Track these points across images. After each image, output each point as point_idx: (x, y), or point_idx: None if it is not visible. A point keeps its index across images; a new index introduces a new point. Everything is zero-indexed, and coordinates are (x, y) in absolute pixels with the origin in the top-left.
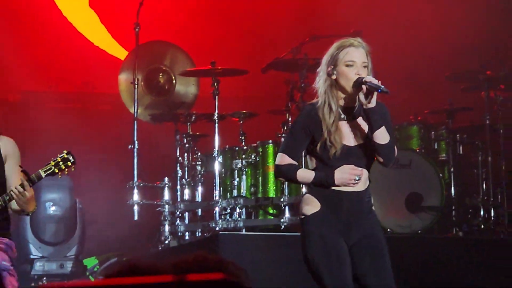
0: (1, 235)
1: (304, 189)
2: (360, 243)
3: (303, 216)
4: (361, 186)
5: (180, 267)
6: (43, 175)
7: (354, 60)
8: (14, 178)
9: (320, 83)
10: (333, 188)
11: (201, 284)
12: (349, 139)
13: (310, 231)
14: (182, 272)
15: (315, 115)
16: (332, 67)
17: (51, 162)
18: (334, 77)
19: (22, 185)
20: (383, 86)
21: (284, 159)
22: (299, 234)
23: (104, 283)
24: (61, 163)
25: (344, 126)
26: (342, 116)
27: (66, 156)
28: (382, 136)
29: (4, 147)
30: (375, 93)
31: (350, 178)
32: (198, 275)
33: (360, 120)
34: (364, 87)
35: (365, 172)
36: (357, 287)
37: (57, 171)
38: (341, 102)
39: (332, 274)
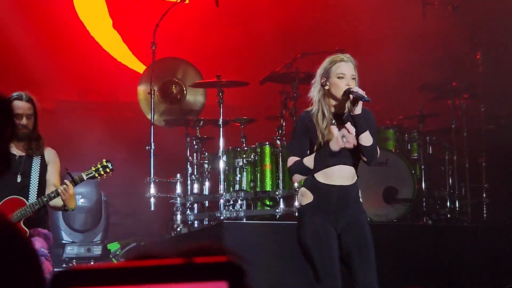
0: (42, 227)
1: (295, 184)
2: (347, 229)
3: (298, 206)
4: (349, 181)
5: (186, 255)
6: (85, 177)
7: (344, 73)
8: (52, 180)
9: (314, 92)
10: (324, 182)
11: (207, 265)
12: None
13: (304, 219)
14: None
15: (310, 121)
16: (325, 78)
17: (92, 167)
18: (327, 87)
19: (66, 184)
20: (366, 96)
21: (292, 159)
22: (293, 222)
23: (119, 265)
24: (101, 169)
25: (335, 130)
26: (333, 121)
27: (105, 163)
28: (366, 139)
29: (48, 155)
30: (360, 102)
31: (338, 140)
32: (204, 258)
33: (348, 125)
34: (351, 96)
35: (352, 169)
36: (342, 266)
37: (96, 175)
38: (333, 109)
39: (321, 256)
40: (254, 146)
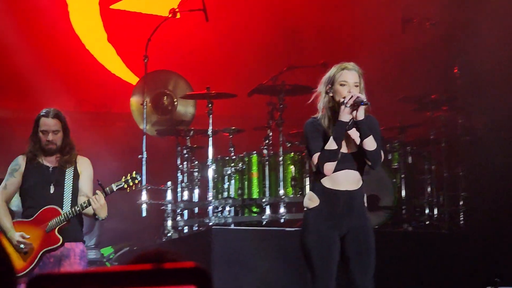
0: (77, 240)
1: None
2: (350, 234)
3: (305, 209)
4: (354, 185)
5: (145, 260)
6: (115, 189)
7: (347, 80)
8: (84, 189)
9: (319, 99)
10: (330, 187)
11: (176, 271)
12: (344, 147)
13: (309, 222)
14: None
15: (319, 125)
16: (330, 86)
17: (122, 179)
18: (331, 94)
19: (97, 194)
20: (364, 100)
21: (316, 156)
22: (279, 228)
23: (91, 271)
24: (130, 180)
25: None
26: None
27: (134, 175)
28: (369, 143)
29: (80, 165)
30: (361, 107)
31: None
32: (173, 263)
33: (353, 131)
34: (348, 104)
35: (358, 174)
36: (341, 267)
37: (126, 186)
38: (338, 116)
39: (321, 261)
40: (242, 155)
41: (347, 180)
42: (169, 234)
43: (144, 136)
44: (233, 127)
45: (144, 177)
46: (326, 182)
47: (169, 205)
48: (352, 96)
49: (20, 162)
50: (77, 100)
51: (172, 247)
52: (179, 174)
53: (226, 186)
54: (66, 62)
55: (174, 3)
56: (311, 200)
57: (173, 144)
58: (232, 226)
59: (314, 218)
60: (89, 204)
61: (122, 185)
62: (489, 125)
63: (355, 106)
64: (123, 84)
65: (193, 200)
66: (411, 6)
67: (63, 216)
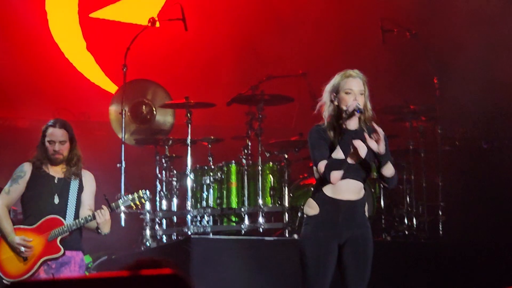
0: (76, 248)
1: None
2: (349, 243)
3: (305, 216)
4: (356, 195)
5: (136, 267)
6: (121, 205)
7: (352, 88)
8: (87, 202)
9: (324, 108)
10: (331, 196)
11: (153, 278)
12: (348, 158)
13: (308, 229)
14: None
15: (324, 133)
16: (334, 94)
17: (130, 197)
18: (336, 102)
19: (103, 208)
20: (359, 106)
21: (322, 163)
22: (258, 237)
23: (67, 278)
24: (137, 199)
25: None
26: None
27: (142, 195)
28: (389, 171)
29: (85, 179)
30: (354, 117)
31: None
32: (150, 270)
33: (357, 141)
34: (346, 113)
35: (360, 184)
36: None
37: (132, 204)
38: (343, 124)
39: (316, 271)
40: (220, 164)
41: (349, 189)
42: (147, 243)
43: (123, 145)
44: (212, 137)
45: (122, 186)
46: (327, 190)
47: (148, 214)
48: (351, 104)
49: (26, 169)
50: (56, 109)
51: (151, 256)
52: (157, 183)
53: (205, 195)
54: (45, 70)
55: (153, 12)
56: (311, 207)
57: (152, 153)
58: (211, 235)
59: (313, 226)
60: (94, 218)
61: (129, 204)
62: (467, 135)
63: (351, 114)
64: (102, 92)
65: (172, 209)
66: (390, 16)
67: (66, 227)
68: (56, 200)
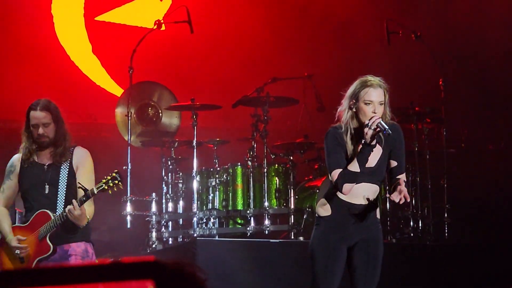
0: (75, 240)
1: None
2: (360, 245)
3: (317, 216)
4: (366, 200)
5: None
6: (95, 191)
7: (372, 99)
8: (83, 183)
9: (343, 112)
10: (344, 199)
11: (133, 265)
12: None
13: (319, 230)
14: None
15: (341, 138)
16: (354, 101)
17: (103, 180)
18: (354, 110)
19: (72, 205)
20: (387, 128)
21: (336, 172)
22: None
23: (49, 266)
24: (110, 181)
25: None
26: (362, 142)
27: (114, 175)
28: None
29: (76, 159)
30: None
31: (368, 130)
32: (131, 258)
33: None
34: (371, 129)
35: (375, 187)
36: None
37: (106, 187)
38: (359, 133)
39: (325, 272)
40: (226, 166)
41: (363, 193)
42: (154, 246)
43: (129, 147)
44: (218, 139)
45: (128, 188)
46: (342, 194)
47: (154, 217)
48: (375, 121)
49: (15, 163)
50: (63, 111)
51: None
52: (163, 186)
53: (210, 197)
54: (51, 73)
55: (159, 15)
56: (323, 208)
57: (158, 155)
58: (217, 238)
59: (324, 227)
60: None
61: (102, 187)
62: (473, 137)
63: (377, 131)
64: (108, 94)
65: (178, 212)
66: (396, 18)
67: (52, 222)
68: (47, 189)
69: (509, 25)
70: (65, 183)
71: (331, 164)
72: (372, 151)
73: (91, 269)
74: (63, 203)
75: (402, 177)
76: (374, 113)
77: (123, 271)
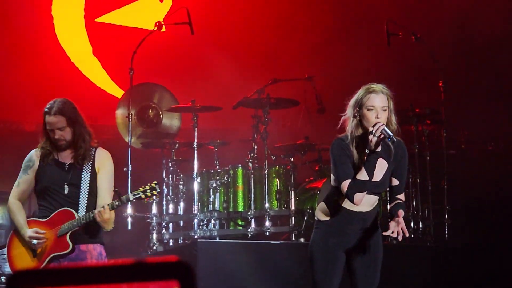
0: (95, 241)
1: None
2: (359, 249)
3: (316, 219)
4: (369, 207)
5: None
6: (131, 198)
7: (374, 105)
8: (102, 189)
9: (348, 120)
10: (344, 206)
11: (158, 265)
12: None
13: (318, 234)
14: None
15: (347, 149)
16: (357, 109)
17: (141, 188)
18: (358, 118)
19: (103, 207)
20: (391, 135)
21: (346, 183)
22: (265, 241)
23: (73, 266)
24: (148, 191)
25: None
26: (367, 151)
27: (154, 185)
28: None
29: (98, 161)
30: (386, 142)
31: (372, 138)
32: (155, 258)
33: (380, 160)
34: (375, 136)
35: (376, 198)
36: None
37: (143, 197)
38: (365, 141)
39: (323, 276)
40: (227, 168)
41: (365, 203)
42: (154, 247)
43: (129, 149)
44: (218, 140)
45: (129, 190)
46: (343, 201)
47: (155, 218)
48: (378, 128)
49: (34, 158)
50: None
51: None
52: (164, 187)
53: (211, 199)
54: (51, 74)
55: (160, 16)
56: (322, 212)
57: (158, 157)
58: (218, 239)
59: (323, 232)
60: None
61: (139, 195)
62: (472, 138)
63: (381, 138)
64: (108, 96)
65: (179, 213)
66: (395, 19)
67: (76, 221)
68: (66, 190)
69: (511, 28)
70: (88, 185)
71: (339, 176)
72: (378, 158)
73: (114, 269)
74: (85, 205)
75: (401, 197)
76: (377, 118)
77: (147, 271)
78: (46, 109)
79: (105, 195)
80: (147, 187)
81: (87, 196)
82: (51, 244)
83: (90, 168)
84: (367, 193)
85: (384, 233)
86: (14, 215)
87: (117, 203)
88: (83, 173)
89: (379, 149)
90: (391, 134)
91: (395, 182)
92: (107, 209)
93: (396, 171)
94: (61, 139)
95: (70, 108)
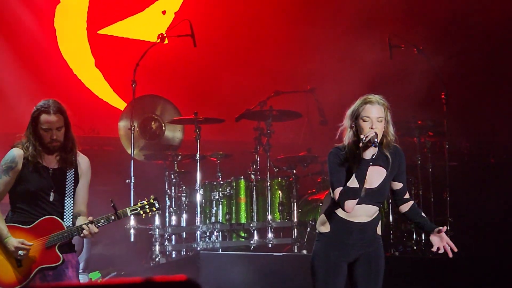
0: (71, 250)
1: (269, 216)
2: (361, 260)
3: (317, 232)
4: (369, 218)
5: None
6: (129, 213)
7: (369, 116)
8: (80, 197)
9: (346, 131)
10: (344, 217)
11: (166, 284)
12: (366, 183)
13: (319, 246)
14: None
15: (343, 158)
16: (354, 120)
17: (139, 203)
18: (354, 128)
19: (92, 222)
20: (376, 141)
21: (338, 190)
22: (267, 253)
23: (81, 284)
24: (147, 206)
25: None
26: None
27: (152, 201)
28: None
29: (81, 167)
30: (372, 147)
31: (366, 145)
32: (163, 276)
33: (377, 168)
34: (362, 144)
35: (376, 208)
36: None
37: (141, 213)
38: (360, 153)
39: (326, 287)
40: (229, 180)
41: (364, 213)
42: (157, 259)
43: (132, 161)
44: (221, 152)
45: (131, 202)
46: (341, 212)
47: (157, 230)
48: (368, 135)
49: (17, 159)
50: None
51: (160, 272)
52: (167, 199)
53: (214, 211)
54: (53, 86)
55: (162, 28)
56: (322, 224)
57: (161, 169)
58: (220, 251)
59: (324, 244)
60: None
61: (137, 211)
62: (475, 150)
63: (367, 146)
64: (111, 108)
65: (181, 225)
66: (398, 32)
67: (66, 232)
68: (52, 197)
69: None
70: (72, 192)
71: (333, 183)
72: (370, 165)
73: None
74: (71, 213)
75: (408, 196)
76: (372, 129)
77: None
78: (43, 108)
79: (82, 203)
80: (146, 203)
81: (72, 204)
82: (39, 256)
83: (73, 174)
84: (366, 203)
85: (432, 250)
86: None
87: (113, 217)
88: (67, 179)
89: (369, 156)
90: (376, 140)
91: (398, 185)
92: (94, 228)
93: (398, 176)
94: (56, 140)
95: (64, 108)
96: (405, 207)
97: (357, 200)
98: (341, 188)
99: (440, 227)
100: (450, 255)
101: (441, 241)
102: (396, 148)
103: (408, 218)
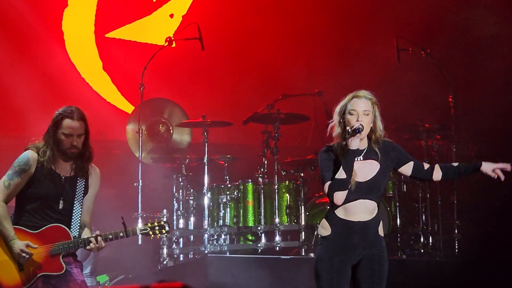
0: (74, 255)
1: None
2: (364, 262)
3: (319, 236)
4: (369, 215)
5: None
6: (138, 233)
7: (356, 109)
8: (87, 205)
9: (335, 127)
10: (343, 217)
11: None
12: (360, 176)
13: (321, 250)
14: None
15: (332, 154)
16: (342, 115)
17: (149, 224)
18: (342, 124)
19: (100, 236)
20: (356, 126)
21: (327, 186)
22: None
23: None
24: (157, 228)
25: (356, 165)
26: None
27: (163, 223)
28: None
29: (92, 178)
30: (355, 137)
31: (351, 135)
32: (160, 283)
33: (370, 161)
34: (347, 135)
35: (373, 203)
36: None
37: (151, 233)
38: (346, 145)
39: None
40: (237, 183)
41: (361, 210)
42: (164, 262)
43: (140, 164)
44: (229, 155)
45: (139, 205)
46: (340, 212)
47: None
48: (354, 126)
49: (31, 162)
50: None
51: (168, 275)
52: (174, 202)
53: (221, 214)
54: (61, 90)
55: (170, 31)
56: (323, 228)
57: (169, 172)
58: (228, 254)
59: (326, 247)
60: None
61: (147, 231)
62: (482, 153)
63: (352, 134)
64: (118, 111)
65: (189, 228)
66: (405, 35)
67: (72, 243)
68: (61, 205)
69: None
70: (81, 201)
71: (323, 179)
72: (359, 158)
73: None
74: (78, 223)
75: (427, 163)
76: (358, 121)
77: None
78: (67, 113)
79: (87, 214)
80: (156, 224)
81: (79, 215)
82: (42, 262)
83: (84, 183)
84: (362, 198)
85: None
86: (1, 221)
87: (121, 234)
88: (77, 188)
89: (355, 146)
90: (356, 127)
91: (410, 165)
92: (101, 241)
93: (402, 161)
94: (76, 147)
95: (86, 117)
96: (437, 174)
97: (346, 191)
98: (329, 182)
99: (479, 163)
100: (502, 177)
101: (491, 169)
102: (386, 142)
103: (449, 178)
